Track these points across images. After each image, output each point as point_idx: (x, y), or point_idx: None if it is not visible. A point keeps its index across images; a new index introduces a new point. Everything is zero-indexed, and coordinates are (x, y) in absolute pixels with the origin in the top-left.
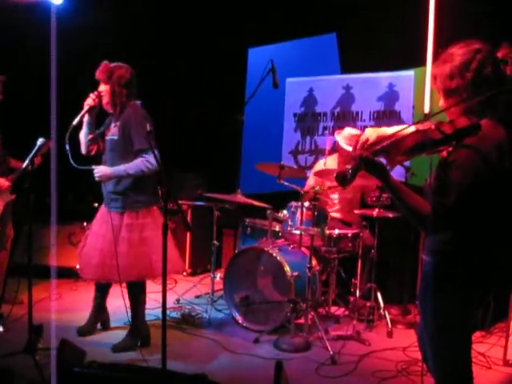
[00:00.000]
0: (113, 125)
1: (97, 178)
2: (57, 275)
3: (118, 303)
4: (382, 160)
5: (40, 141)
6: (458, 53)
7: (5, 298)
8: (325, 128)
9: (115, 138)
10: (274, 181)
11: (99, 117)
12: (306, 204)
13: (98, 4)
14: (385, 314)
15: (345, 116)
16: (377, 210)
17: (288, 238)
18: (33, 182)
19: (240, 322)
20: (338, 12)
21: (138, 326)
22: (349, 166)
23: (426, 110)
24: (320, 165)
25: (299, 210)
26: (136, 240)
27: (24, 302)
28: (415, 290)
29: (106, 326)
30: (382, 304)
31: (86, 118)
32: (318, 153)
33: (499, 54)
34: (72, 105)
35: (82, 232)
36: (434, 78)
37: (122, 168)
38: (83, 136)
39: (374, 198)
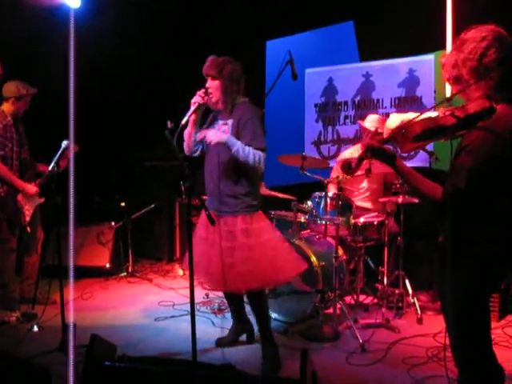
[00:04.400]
0: (221, 123)
1: (204, 139)
2: (87, 275)
3: (151, 299)
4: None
5: (64, 143)
6: (466, 40)
7: (38, 299)
8: (346, 117)
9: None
10: (298, 172)
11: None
12: (330, 194)
13: (116, 7)
14: (414, 301)
15: (366, 104)
16: (401, 196)
17: (313, 228)
18: (59, 184)
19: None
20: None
21: (269, 336)
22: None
23: (448, 93)
24: (343, 155)
25: (323, 200)
26: (254, 245)
27: (56, 302)
28: None
29: (251, 339)
30: (410, 291)
31: (192, 117)
32: (341, 142)
33: None
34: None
35: (110, 231)
36: (442, 66)
37: (238, 143)
38: (188, 135)
39: (398, 185)
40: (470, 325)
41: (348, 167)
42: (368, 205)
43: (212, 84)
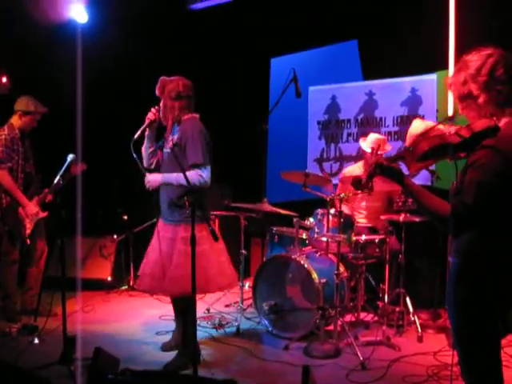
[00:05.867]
0: (170, 138)
1: (147, 186)
2: (89, 287)
3: (152, 313)
4: (403, 168)
5: (70, 157)
6: (470, 59)
7: (39, 311)
8: (349, 135)
9: (169, 151)
10: (300, 189)
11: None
12: (332, 211)
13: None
14: (414, 319)
15: (368, 122)
16: (403, 215)
17: (315, 245)
18: (64, 197)
19: (269, 329)
20: (358, 19)
21: (187, 343)
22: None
23: (450, 113)
24: (344, 172)
25: (325, 217)
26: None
27: (58, 314)
28: (445, 293)
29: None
30: (411, 309)
31: (147, 132)
32: (343, 160)
33: None
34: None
35: (112, 244)
36: (450, 86)
37: (173, 176)
38: (144, 149)
39: (400, 204)
40: (479, 339)
41: (358, 183)
42: (364, 221)
43: (162, 102)
